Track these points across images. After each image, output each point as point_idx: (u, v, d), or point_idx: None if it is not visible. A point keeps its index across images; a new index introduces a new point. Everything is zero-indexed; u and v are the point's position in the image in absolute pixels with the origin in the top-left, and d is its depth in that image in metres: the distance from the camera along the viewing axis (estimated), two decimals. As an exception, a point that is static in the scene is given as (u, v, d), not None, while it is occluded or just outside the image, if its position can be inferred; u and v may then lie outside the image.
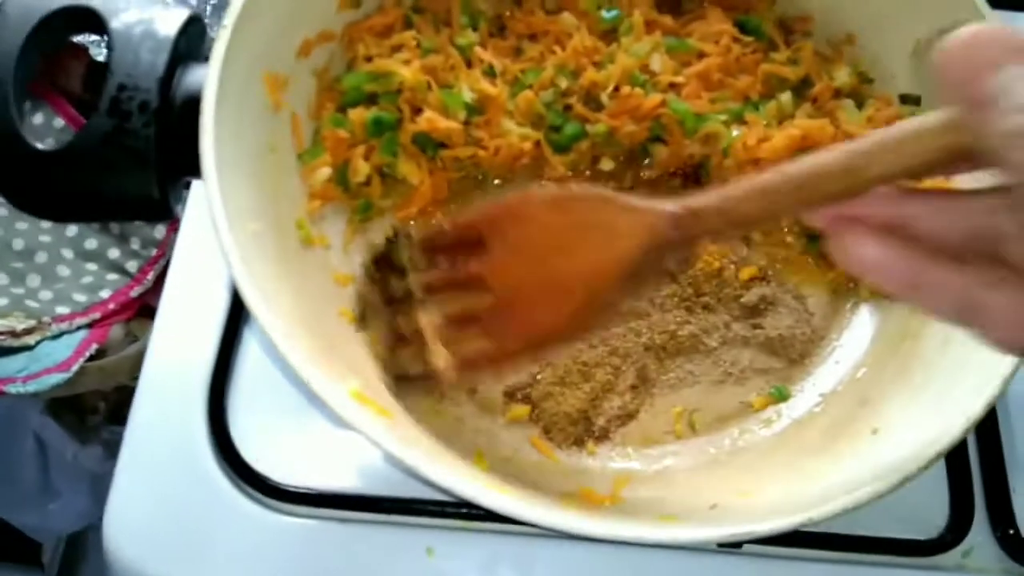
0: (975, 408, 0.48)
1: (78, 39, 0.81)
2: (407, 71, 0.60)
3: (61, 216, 0.52)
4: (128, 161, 0.49)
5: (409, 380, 0.46)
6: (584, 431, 0.58)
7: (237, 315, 0.62)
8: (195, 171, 0.49)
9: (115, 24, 0.51)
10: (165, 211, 0.51)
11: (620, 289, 0.41)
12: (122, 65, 0.50)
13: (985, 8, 0.59)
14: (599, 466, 0.57)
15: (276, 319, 0.46)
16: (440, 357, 0.44)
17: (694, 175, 0.66)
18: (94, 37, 0.81)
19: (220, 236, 0.47)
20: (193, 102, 0.50)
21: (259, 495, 0.58)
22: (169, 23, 0.52)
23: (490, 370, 0.48)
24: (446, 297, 0.45)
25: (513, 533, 0.57)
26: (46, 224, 0.95)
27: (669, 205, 0.39)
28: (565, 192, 0.45)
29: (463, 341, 0.44)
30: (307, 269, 0.58)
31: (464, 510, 0.57)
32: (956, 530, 0.58)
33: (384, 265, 0.47)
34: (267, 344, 0.60)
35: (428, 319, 0.45)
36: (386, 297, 0.47)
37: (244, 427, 0.59)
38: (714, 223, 0.38)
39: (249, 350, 0.62)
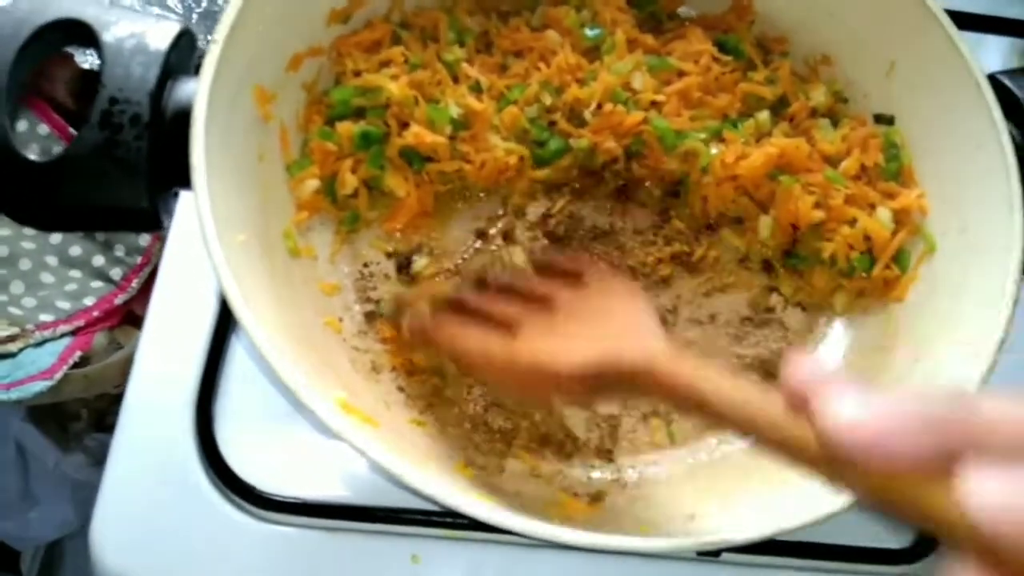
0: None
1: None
2: (395, 86, 0.61)
3: (51, 226, 0.53)
4: (119, 173, 0.50)
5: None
6: (565, 441, 0.59)
7: (224, 325, 0.63)
8: (185, 182, 0.50)
9: (107, 37, 0.51)
10: (154, 222, 0.52)
11: (577, 381, 0.47)
12: (113, 79, 0.51)
13: (953, 31, 0.61)
14: (580, 475, 0.58)
15: (264, 329, 0.47)
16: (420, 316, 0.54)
17: (673, 191, 0.67)
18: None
19: (209, 246, 0.48)
20: (184, 115, 0.50)
21: (246, 504, 0.58)
22: (160, 37, 0.52)
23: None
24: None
25: (497, 542, 0.58)
26: (29, 231, 0.95)
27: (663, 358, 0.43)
28: (630, 289, 0.52)
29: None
30: (293, 279, 0.59)
31: (449, 519, 0.58)
32: (928, 539, 0.60)
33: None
34: (255, 354, 0.61)
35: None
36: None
37: (231, 436, 0.60)
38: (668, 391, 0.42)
39: (236, 360, 0.62)
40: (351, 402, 0.51)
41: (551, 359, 0.48)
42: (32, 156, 0.49)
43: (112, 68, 0.51)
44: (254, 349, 0.47)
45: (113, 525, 0.58)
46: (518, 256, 0.62)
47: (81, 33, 0.52)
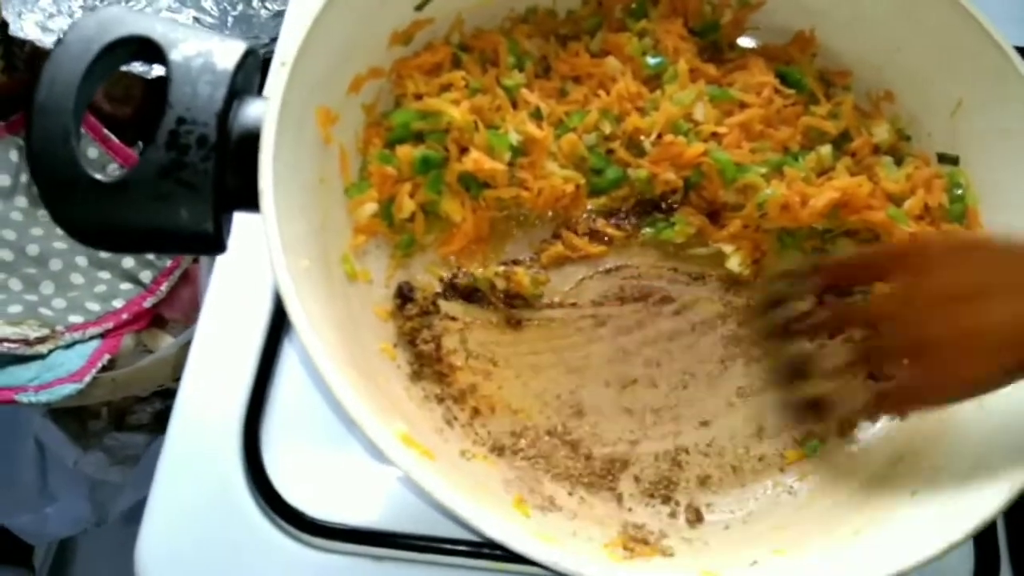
0: (1020, 477, 0.48)
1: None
2: (457, 111, 0.60)
3: (113, 247, 0.51)
4: (185, 195, 0.49)
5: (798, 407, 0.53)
6: (621, 479, 0.58)
7: (273, 347, 0.62)
8: (249, 204, 0.49)
9: (174, 56, 0.50)
10: (218, 244, 0.51)
11: None
12: (181, 98, 0.49)
13: (1024, 70, 0.60)
14: (637, 516, 0.57)
15: (331, 361, 0.46)
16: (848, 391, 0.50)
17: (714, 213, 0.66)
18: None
19: (277, 274, 0.47)
20: (250, 137, 0.49)
21: (292, 529, 0.57)
22: (227, 56, 0.51)
23: (900, 410, 0.53)
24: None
25: (545, 576, 0.57)
26: (61, 231, 0.95)
27: None
28: (979, 241, 0.47)
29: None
30: (351, 304, 0.58)
31: (498, 551, 0.57)
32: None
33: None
34: (317, 381, 0.60)
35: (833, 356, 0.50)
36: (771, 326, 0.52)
37: (278, 460, 0.59)
38: None
39: (284, 382, 0.62)
40: (411, 435, 0.50)
41: None
42: (99, 176, 0.48)
43: (180, 87, 0.50)
44: (321, 380, 0.45)
45: (158, 546, 0.57)
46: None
47: (149, 51, 0.51)
